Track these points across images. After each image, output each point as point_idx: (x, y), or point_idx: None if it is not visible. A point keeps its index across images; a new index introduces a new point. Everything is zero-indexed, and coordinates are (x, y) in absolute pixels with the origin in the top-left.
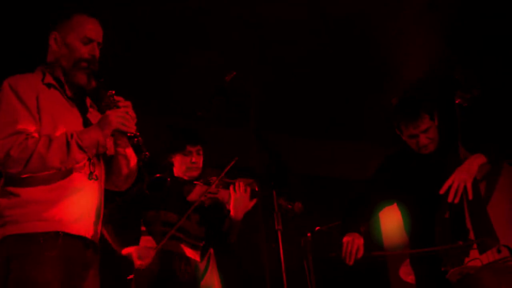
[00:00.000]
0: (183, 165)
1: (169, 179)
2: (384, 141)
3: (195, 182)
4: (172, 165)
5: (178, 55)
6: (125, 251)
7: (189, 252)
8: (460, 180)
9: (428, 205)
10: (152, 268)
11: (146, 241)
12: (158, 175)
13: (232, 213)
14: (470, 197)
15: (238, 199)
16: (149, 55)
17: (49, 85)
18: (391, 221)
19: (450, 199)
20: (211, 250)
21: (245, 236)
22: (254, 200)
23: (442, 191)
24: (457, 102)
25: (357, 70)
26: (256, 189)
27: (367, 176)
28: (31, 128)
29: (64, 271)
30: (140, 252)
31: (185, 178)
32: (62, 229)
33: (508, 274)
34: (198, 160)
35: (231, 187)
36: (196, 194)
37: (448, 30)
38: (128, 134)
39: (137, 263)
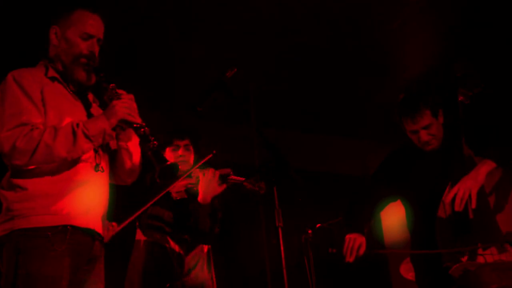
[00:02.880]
0: (171, 160)
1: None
2: (385, 137)
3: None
4: None
5: (175, 50)
6: None
7: (173, 245)
8: (466, 188)
9: (430, 203)
10: (141, 258)
11: (139, 233)
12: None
13: (200, 196)
14: (474, 205)
15: (205, 182)
16: (148, 53)
17: (52, 79)
18: (392, 219)
19: (456, 208)
20: (205, 248)
21: (246, 232)
22: (224, 186)
23: (447, 200)
24: (459, 99)
25: (357, 68)
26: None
27: (368, 172)
28: (37, 119)
29: (71, 265)
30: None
31: None
32: (70, 223)
33: (509, 270)
34: (185, 154)
35: (200, 173)
36: (178, 186)
37: (449, 27)
38: (134, 125)
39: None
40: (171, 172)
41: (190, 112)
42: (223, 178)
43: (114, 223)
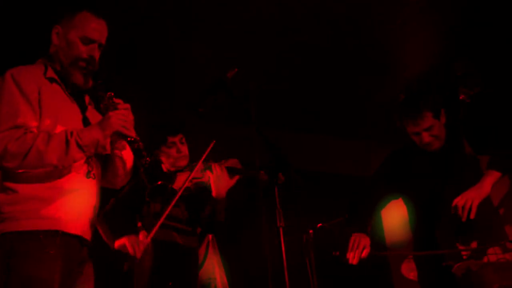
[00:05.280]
0: (170, 158)
1: (170, 185)
2: (385, 137)
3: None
4: (161, 162)
5: (175, 50)
6: (117, 243)
7: (184, 240)
8: (468, 198)
9: (432, 202)
10: (149, 259)
11: (143, 235)
12: (160, 182)
13: (214, 192)
14: (472, 216)
15: (216, 179)
16: (148, 53)
17: (51, 80)
18: (393, 218)
19: (464, 219)
20: (210, 237)
21: (247, 233)
22: (236, 177)
23: (453, 211)
24: (460, 98)
25: (357, 67)
26: (239, 166)
27: (369, 172)
28: (31, 122)
29: (63, 268)
30: (132, 240)
31: (173, 169)
32: (61, 228)
33: (509, 270)
34: (183, 148)
35: (208, 170)
36: (181, 181)
37: (450, 27)
38: (129, 139)
39: (131, 251)
40: (161, 192)
41: (189, 111)
42: (232, 171)
43: (142, 234)
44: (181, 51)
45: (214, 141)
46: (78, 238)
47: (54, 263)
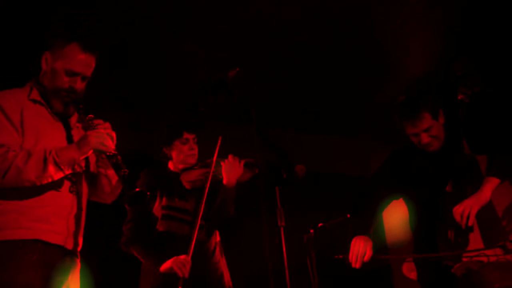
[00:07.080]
0: (181, 154)
1: (148, 192)
2: (386, 137)
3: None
4: (168, 159)
5: (171, 50)
6: (163, 267)
7: (193, 232)
8: (466, 205)
9: (432, 203)
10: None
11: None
12: (137, 189)
13: (224, 180)
14: (470, 223)
15: (227, 166)
16: (137, 54)
17: (34, 101)
18: (394, 218)
19: (464, 226)
20: (218, 239)
21: (248, 232)
22: (250, 172)
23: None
24: (459, 98)
25: (357, 67)
26: (254, 162)
27: (369, 172)
28: (13, 142)
29: (44, 274)
30: (178, 263)
31: (181, 167)
32: (40, 237)
33: (510, 270)
34: (194, 147)
35: (221, 161)
36: (195, 175)
37: (450, 27)
38: (107, 154)
39: (180, 274)
40: (139, 199)
41: (181, 111)
42: (248, 165)
43: (183, 256)
44: (172, 51)
45: (220, 136)
46: (60, 248)
47: (35, 268)
